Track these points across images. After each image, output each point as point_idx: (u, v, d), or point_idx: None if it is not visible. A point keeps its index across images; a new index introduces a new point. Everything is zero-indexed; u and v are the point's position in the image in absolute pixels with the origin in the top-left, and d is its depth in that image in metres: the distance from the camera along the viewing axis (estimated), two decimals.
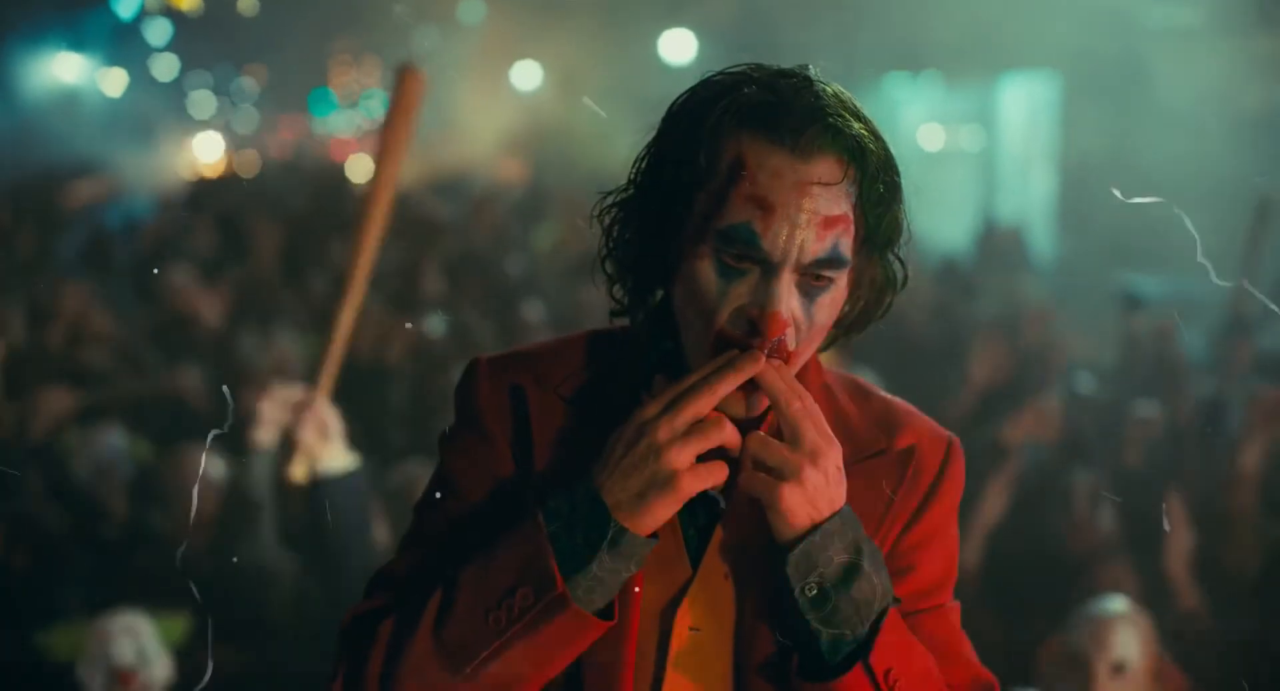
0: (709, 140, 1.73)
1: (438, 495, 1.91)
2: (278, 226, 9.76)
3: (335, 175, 16.24)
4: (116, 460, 5.53)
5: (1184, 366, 7.35)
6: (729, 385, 1.70)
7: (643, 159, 1.84)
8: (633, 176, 1.85)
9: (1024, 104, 16.98)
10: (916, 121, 16.91)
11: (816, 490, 1.71)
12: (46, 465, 5.72)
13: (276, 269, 9.18)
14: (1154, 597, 4.91)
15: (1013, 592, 4.94)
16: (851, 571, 1.73)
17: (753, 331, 1.72)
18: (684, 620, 1.81)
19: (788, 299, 1.72)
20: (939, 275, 9.80)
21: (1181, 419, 6.70)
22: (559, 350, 1.94)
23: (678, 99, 1.82)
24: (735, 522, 1.82)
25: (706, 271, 1.73)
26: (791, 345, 1.75)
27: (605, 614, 1.74)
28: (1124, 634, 3.81)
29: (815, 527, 1.72)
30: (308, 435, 4.64)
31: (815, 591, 1.72)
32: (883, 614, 1.75)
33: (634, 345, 1.91)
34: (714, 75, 1.81)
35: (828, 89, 1.75)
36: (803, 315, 1.74)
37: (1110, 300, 9.50)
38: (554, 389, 1.89)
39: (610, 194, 1.87)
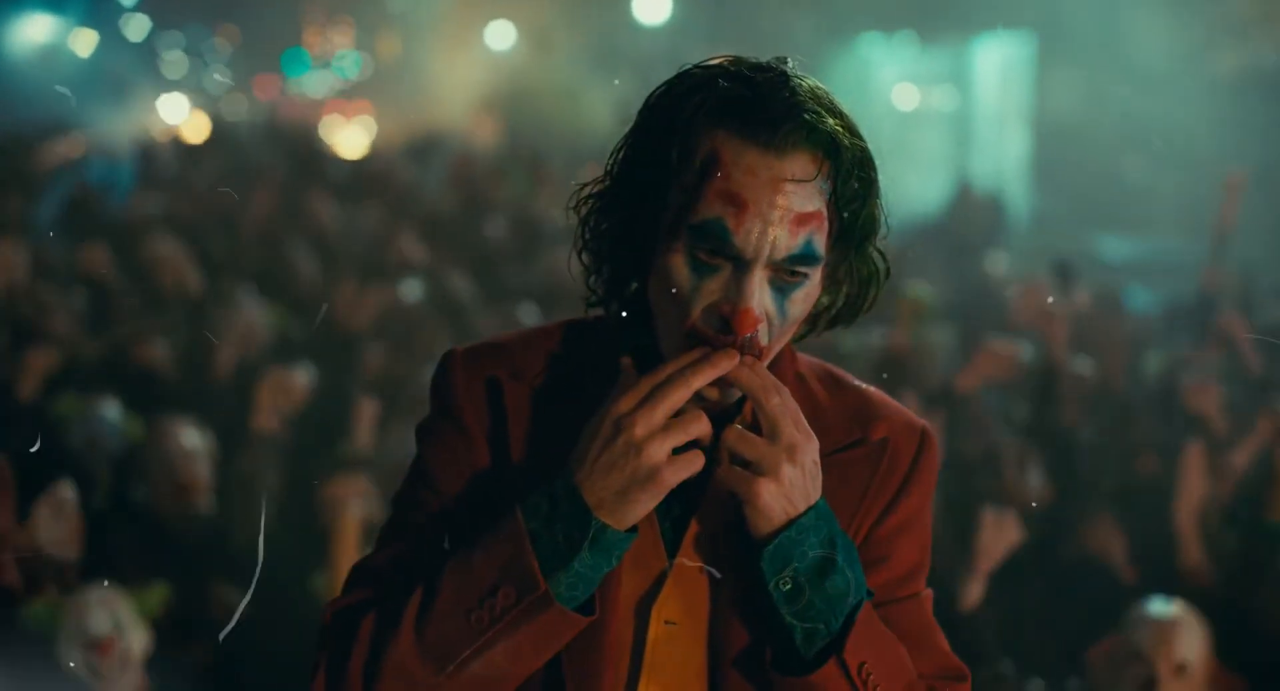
0: (683, 135, 1.73)
1: (416, 488, 1.91)
2: (262, 192, 9.70)
3: (309, 136, 16.13)
4: (107, 433, 5.52)
5: (1122, 331, 7.30)
6: (703, 379, 1.71)
7: (619, 151, 1.84)
8: (609, 168, 1.85)
9: (998, 64, 16.95)
10: (890, 81, 16.86)
11: (793, 485, 1.72)
12: (36, 428, 5.68)
13: (261, 234, 9.14)
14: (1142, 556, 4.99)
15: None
16: (826, 566, 1.73)
17: (725, 328, 1.72)
18: (660, 613, 1.82)
19: (760, 295, 1.72)
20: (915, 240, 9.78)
21: (1117, 383, 6.68)
22: (534, 341, 1.94)
23: (654, 92, 1.82)
24: (710, 515, 1.83)
25: (679, 266, 1.74)
26: (764, 341, 1.76)
27: (585, 609, 1.74)
28: (1187, 635, 3.90)
29: (791, 523, 1.73)
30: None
31: (789, 586, 1.73)
32: (857, 607, 1.76)
33: (610, 335, 1.90)
34: (691, 68, 1.81)
35: (804, 84, 1.75)
36: (775, 310, 1.75)
37: (1083, 259, 9.49)
38: (529, 381, 1.89)
39: (587, 185, 1.87)
